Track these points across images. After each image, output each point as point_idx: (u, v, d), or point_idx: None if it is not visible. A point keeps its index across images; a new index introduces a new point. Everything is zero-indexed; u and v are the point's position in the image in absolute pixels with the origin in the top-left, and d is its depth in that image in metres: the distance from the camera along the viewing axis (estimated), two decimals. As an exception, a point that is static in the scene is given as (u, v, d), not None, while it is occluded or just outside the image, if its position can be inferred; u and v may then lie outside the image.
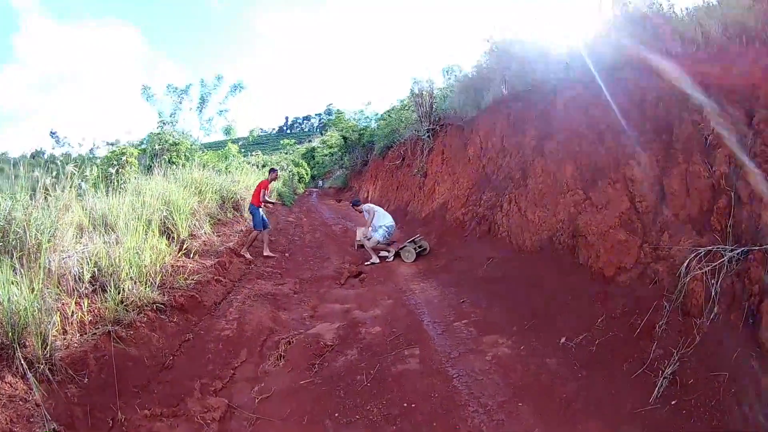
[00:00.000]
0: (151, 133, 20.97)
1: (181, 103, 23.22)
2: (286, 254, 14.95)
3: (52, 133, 19.01)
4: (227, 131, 24.91)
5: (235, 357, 7.39)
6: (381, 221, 13.97)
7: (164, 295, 8.30)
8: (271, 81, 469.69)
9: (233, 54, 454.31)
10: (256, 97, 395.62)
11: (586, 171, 8.93)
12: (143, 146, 20.02)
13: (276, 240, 16.79)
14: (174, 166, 16.71)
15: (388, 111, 32.92)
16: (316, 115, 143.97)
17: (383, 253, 13.77)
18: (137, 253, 8.48)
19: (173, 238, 11.31)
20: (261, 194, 14.40)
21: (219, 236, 14.17)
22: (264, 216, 14.59)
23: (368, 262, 13.49)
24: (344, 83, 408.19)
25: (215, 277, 10.43)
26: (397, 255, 13.74)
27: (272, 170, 16.00)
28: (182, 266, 10.13)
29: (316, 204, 35.02)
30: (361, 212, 14.88)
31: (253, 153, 37.03)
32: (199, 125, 24.47)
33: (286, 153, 58.94)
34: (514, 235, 10.79)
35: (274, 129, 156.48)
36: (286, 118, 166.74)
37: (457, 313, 8.56)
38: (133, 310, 7.34)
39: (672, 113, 7.30)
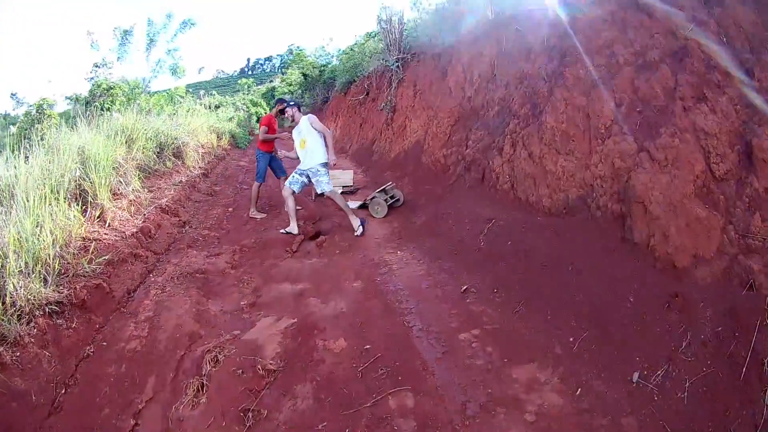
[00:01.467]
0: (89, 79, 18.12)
1: (125, 45, 20.06)
2: (230, 209, 11.98)
3: (13, 95, 16.87)
4: (174, 71, 21.74)
5: (140, 390, 4.89)
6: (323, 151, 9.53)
7: (63, 288, 5.90)
8: (233, 23, 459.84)
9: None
10: (217, 39, 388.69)
11: (634, 111, 6.36)
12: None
13: (220, 191, 13.87)
14: (108, 114, 13.85)
15: (351, 46, 30.13)
16: (278, 55, 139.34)
17: (292, 227, 9.54)
18: (34, 232, 6.25)
19: (90, 202, 8.52)
20: (263, 133, 11.27)
21: (151, 192, 11.25)
22: (276, 163, 11.79)
23: (358, 232, 9.37)
24: (307, 22, 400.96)
25: (134, 251, 7.89)
26: (363, 207, 10.93)
27: (279, 101, 11.43)
28: (96, 239, 7.60)
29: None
30: (291, 118, 9.80)
31: (204, 94, 33.93)
32: (149, 68, 21.54)
33: (246, 93, 56.00)
34: (522, 189, 7.98)
35: (235, 71, 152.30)
36: (248, 59, 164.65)
37: (460, 313, 5.74)
38: (21, 319, 5.15)
39: (744, 48, 5.57)
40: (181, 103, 21.82)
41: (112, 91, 16.95)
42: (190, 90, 26.68)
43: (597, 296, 5.24)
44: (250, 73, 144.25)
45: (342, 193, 12.53)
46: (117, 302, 6.43)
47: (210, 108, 28.47)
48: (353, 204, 10.99)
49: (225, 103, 35.89)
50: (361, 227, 9.27)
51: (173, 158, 14.61)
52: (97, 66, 18.36)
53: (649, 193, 5.56)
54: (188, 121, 18.50)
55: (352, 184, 13.03)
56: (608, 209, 6.23)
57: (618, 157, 6.25)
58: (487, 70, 10.79)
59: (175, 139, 15.12)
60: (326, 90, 36.05)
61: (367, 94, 21.31)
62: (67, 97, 17.51)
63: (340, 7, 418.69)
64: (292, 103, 9.98)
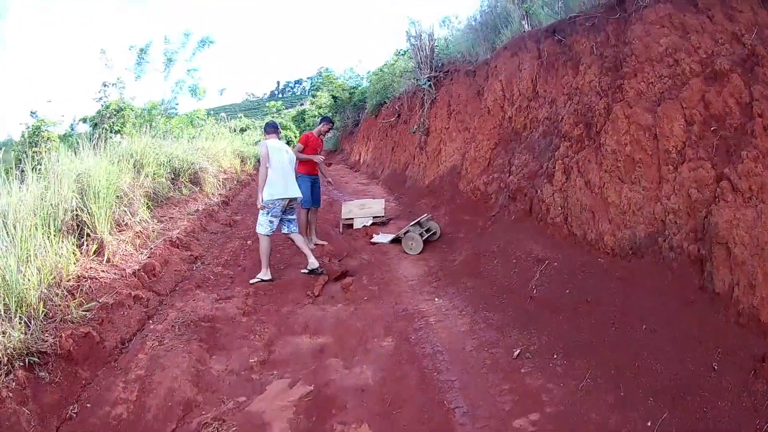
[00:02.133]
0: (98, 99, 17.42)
1: (141, 64, 19.25)
2: (248, 242, 10.91)
3: (32, 113, 16.29)
4: (194, 91, 20.89)
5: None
6: (271, 182, 8.19)
7: (48, 335, 5.06)
8: (263, 46, 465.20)
9: (222, 15, 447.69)
10: (248, 63, 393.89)
11: (708, 130, 5.42)
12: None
13: (241, 220, 12.95)
14: (118, 137, 13.46)
15: (381, 67, 29.22)
16: (308, 78, 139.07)
17: (311, 264, 8.32)
18: (19, 270, 5.40)
19: (88, 235, 7.67)
20: (296, 152, 9.59)
21: (162, 221, 10.43)
22: (318, 191, 10.33)
23: (255, 279, 8.27)
24: (338, 44, 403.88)
25: (133, 292, 6.80)
26: (395, 242, 9.88)
27: (324, 119, 10.52)
28: (92, 278, 6.64)
29: (302, 169, 30.98)
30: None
31: (228, 117, 33.15)
32: (169, 88, 20.88)
33: (274, 116, 55.49)
34: (578, 224, 6.90)
35: (265, 94, 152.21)
36: (278, 82, 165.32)
37: (514, 389, 4.66)
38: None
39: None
40: (203, 126, 21.01)
41: (123, 112, 16.22)
42: (214, 112, 25.90)
43: (676, 363, 4.28)
44: (280, 96, 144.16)
45: (373, 224, 11.57)
46: (108, 354, 5.51)
47: (235, 131, 27.74)
48: (385, 238, 10.02)
49: (252, 126, 35.30)
50: (261, 281, 8.17)
51: (190, 185, 13.83)
52: (105, 85, 17.46)
53: (734, 231, 4.61)
54: (208, 144, 17.76)
55: (383, 214, 12.07)
56: (684, 250, 5.21)
57: (694, 186, 5.27)
58: (528, 86, 9.79)
59: (192, 164, 14.32)
60: (357, 113, 35.15)
61: (399, 116, 20.36)
62: (82, 120, 16.73)
63: (371, 28, 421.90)
64: (275, 125, 9.00)
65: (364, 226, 11.59)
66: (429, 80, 15.69)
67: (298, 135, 46.65)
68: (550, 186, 7.58)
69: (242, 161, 21.62)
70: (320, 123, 10.14)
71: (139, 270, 7.50)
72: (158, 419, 4.51)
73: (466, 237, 9.21)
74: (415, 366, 5.21)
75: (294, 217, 8.52)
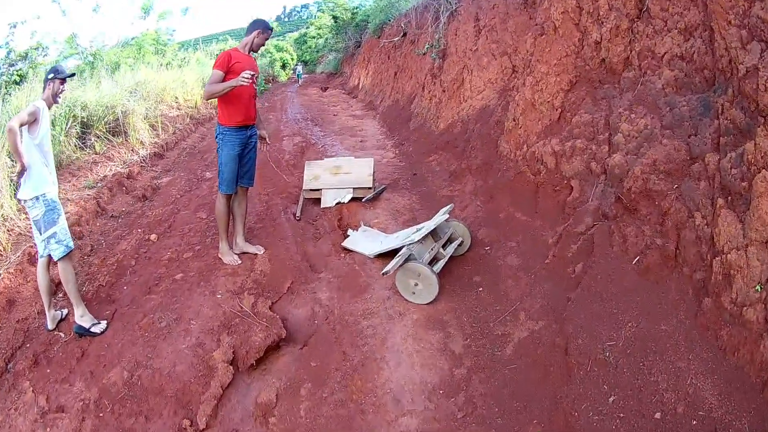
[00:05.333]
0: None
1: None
2: (150, 238, 6.36)
3: None
4: (145, 9, 16.43)
5: None
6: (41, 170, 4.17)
7: None
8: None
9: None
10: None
11: None
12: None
13: (165, 186, 8.64)
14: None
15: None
16: (314, 2, 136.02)
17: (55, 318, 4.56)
18: None
19: None
20: (211, 84, 5.05)
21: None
22: (252, 156, 5.70)
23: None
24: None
25: None
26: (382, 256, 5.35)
27: (256, 23, 5.40)
28: None
29: (292, 94, 26.53)
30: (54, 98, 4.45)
31: (214, 42, 28.85)
32: (138, 14, 16.86)
33: (278, 40, 51.10)
34: None
35: (271, 18, 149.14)
36: (284, 7, 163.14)
37: None
38: None
39: None
40: (162, 53, 16.85)
41: (27, 55, 12.24)
42: (209, 39, 22.06)
43: None
44: (286, 20, 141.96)
45: (353, 199, 7.05)
46: None
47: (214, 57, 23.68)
48: (368, 245, 5.71)
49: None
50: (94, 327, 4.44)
51: (110, 137, 9.54)
52: (13, 26, 12.55)
53: None
54: (154, 77, 13.66)
55: (372, 185, 7.24)
56: None
57: None
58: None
59: (111, 109, 9.98)
60: (359, 33, 30.94)
61: (404, 35, 15.95)
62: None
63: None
64: (55, 71, 4.41)
65: (339, 203, 7.04)
66: (447, -16, 10.80)
67: (296, 58, 42.20)
68: (735, 218, 3.03)
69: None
70: (251, 31, 5.36)
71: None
72: None
73: (525, 264, 4.68)
74: None
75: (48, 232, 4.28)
